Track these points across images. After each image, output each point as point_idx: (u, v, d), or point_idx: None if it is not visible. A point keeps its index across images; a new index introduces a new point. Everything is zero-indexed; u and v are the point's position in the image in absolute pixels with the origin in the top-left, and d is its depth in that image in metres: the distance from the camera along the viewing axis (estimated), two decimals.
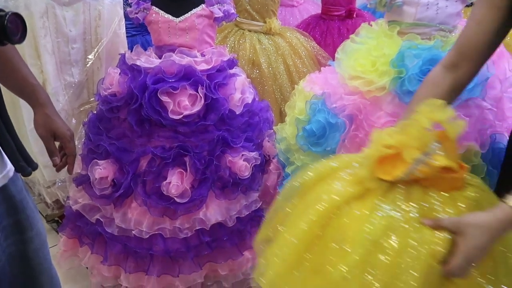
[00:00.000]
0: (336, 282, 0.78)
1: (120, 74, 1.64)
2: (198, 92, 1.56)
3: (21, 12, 1.71)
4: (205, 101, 1.57)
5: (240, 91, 1.68)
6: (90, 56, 1.89)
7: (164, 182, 1.52)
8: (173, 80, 1.56)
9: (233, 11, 1.75)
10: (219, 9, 1.70)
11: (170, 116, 1.53)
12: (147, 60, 1.63)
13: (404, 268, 0.76)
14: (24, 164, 0.85)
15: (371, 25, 1.71)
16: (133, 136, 1.60)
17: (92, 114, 1.74)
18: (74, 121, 1.93)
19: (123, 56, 1.69)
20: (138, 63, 1.61)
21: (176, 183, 1.52)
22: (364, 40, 1.65)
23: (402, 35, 1.57)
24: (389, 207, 0.83)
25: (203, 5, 1.69)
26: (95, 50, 1.89)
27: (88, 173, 1.60)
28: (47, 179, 1.92)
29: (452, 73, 1.01)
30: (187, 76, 1.58)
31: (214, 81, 1.61)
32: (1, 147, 0.82)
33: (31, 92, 1.04)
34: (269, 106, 1.96)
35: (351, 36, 1.72)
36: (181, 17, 1.67)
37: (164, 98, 1.54)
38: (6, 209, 0.87)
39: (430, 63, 1.46)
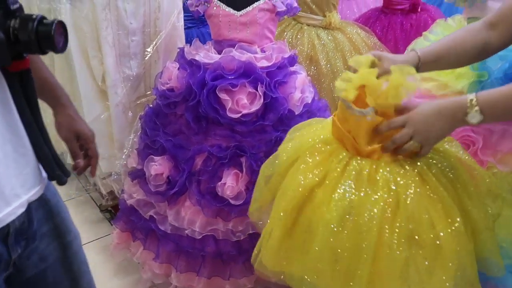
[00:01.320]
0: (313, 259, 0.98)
1: (178, 68, 1.60)
2: (257, 91, 1.50)
3: (85, 4, 1.74)
4: (264, 100, 1.51)
5: (300, 90, 1.60)
6: (148, 49, 1.87)
7: (219, 183, 1.48)
8: (232, 77, 1.50)
9: (295, 4, 1.66)
10: (282, 2, 1.61)
11: (228, 115, 1.48)
12: (206, 55, 1.59)
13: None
14: (60, 172, 0.82)
15: (446, 21, 1.57)
16: (190, 133, 1.56)
17: (148, 108, 1.72)
18: (130, 114, 1.93)
19: (181, 50, 1.65)
20: (197, 58, 1.57)
21: (231, 184, 1.47)
22: (439, 38, 1.51)
23: None
24: (346, 187, 0.98)
25: None
26: (154, 43, 1.87)
27: (144, 169, 1.59)
28: (103, 171, 1.94)
29: (488, 31, 1.02)
30: (247, 73, 1.51)
31: (274, 79, 1.54)
32: (38, 156, 0.80)
33: (51, 92, 0.99)
34: (328, 106, 1.86)
35: (424, 33, 1.58)
36: (242, 11, 1.61)
37: (223, 96, 1.49)
38: (44, 214, 0.86)
39: None
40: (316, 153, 1.10)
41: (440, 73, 1.41)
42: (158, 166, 1.55)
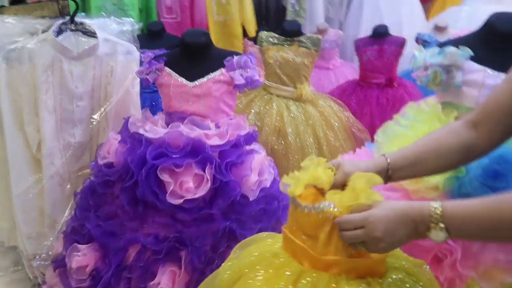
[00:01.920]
0: None
1: (120, 142, 1.41)
2: (205, 173, 1.30)
3: (24, 65, 1.56)
4: (212, 184, 1.30)
5: (257, 172, 1.41)
6: (95, 116, 1.68)
7: (152, 283, 1.23)
8: (177, 155, 1.30)
9: (257, 77, 1.51)
10: (241, 75, 1.46)
11: (168, 200, 1.26)
12: (152, 128, 1.40)
13: None
14: None
15: (419, 105, 1.43)
16: (124, 218, 1.33)
17: (89, 182, 1.49)
18: (69, 186, 1.70)
19: (126, 120, 1.47)
20: (140, 131, 1.38)
21: (165, 285, 1.22)
22: (411, 123, 1.36)
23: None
24: None
25: (222, 70, 1.47)
26: (102, 109, 1.68)
27: (66, 259, 1.34)
28: (29, 252, 1.67)
29: (471, 130, 0.88)
30: (195, 152, 1.32)
31: (226, 159, 1.35)
32: None
33: None
34: None
35: (395, 116, 1.43)
36: (196, 82, 1.45)
37: (165, 177, 1.28)
38: None
39: (499, 162, 1.15)
40: (265, 267, 0.88)
41: None
42: (82, 257, 1.30)
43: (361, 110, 2.63)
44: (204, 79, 1.45)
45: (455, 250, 1.13)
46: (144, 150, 1.31)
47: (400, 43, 2.73)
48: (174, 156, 1.30)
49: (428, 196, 1.19)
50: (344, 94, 2.78)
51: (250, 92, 2.26)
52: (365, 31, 2.84)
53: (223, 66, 1.47)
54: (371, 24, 3.18)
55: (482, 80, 1.27)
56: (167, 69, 1.47)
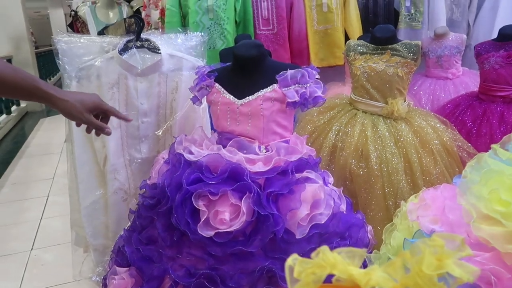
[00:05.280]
0: None
1: (165, 162, 1.34)
2: (241, 203, 1.14)
3: (92, 83, 1.62)
4: (250, 217, 1.13)
5: (309, 206, 1.19)
6: (158, 132, 1.66)
7: None
8: (213, 182, 1.17)
9: (319, 93, 1.29)
10: (296, 91, 1.27)
11: (199, 231, 1.13)
12: (196, 149, 1.29)
13: None
14: None
15: None
16: (161, 244, 1.25)
17: (141, 199, 1.45)
18: (134, 201, 1.70)
19: (176, 139, 1.39)
20: (183, 151, 1.28)
21: None
22: None
23: None
24: None
25: (275, 85, 1.29)
26: (164, 126, 1.65)
27: (107, 281, 1.31)
28: (94, 264, 1.71)
29: None
30: (233, 178, 1.17)
31: (269, 189, 1.16)
32: None
33: (37, 92, 1.02)
34: (364, 222, 1.40)
35: (493, 146, 1.07)
36: (244, 100, 1.30)
37: (199, 205, 1.16)
38: None
39: None
40: None
41: (509, 214, 0.89)
42: (118, 281, 1.26)
43: (478, 130, 2.15)
44: (254, 97, 1.29)
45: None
46: (181, 174, 1.21)
47: None
48: (210, 182, 1.17)
49: None
50: (458, 109, 2.32)
51: (334, 106, 2.02)
52: None
53: (276, 81, 1.29)
54: None
55: None
56: (217, 85, 1.35)
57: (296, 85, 1.27)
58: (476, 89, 2.63)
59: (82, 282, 1.94)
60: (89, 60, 1.57)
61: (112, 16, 3.62)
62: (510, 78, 2.20)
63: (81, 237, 1.84)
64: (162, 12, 3.28)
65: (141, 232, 1.32)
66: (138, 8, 3.69)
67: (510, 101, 2.18)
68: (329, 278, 0.66)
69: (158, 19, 3.29)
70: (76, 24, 3.80)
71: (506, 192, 0.91)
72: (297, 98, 1.25)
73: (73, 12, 3.82)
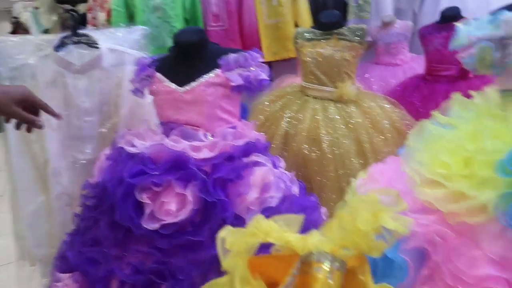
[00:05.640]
0: None
1: (106, 157, 1.27)
2: (186, 191, 1.09)
3: (26, 83, 1.52)
4: (196, 205, 1.09)
5: (258, 189, 1.16)
6: (103, 130, 1.58)
7: None
8: (156, 172, 1.12)
9: (263, 76, 1.27)
10: (240, 74, 1.24)
11: (143, 224, 1.08)
12: (139, 142, 1.24)
13: None
14: None
15: (469, 96, 1.06)
16: (106, 244, 1.18)
17: (83, 199, 1.37)
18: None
19: (119, 134, 1.33)
20: (125, 145, 1.22)
21: None
22: (454, 120, 1.01)
23: None
24: None
25: (217, 70, 1.25)
26: (110, 123, 1.58)
27: None
28: (40, 273, 1.61)
29: None
30: (177, 167, 1.12)
31: (215, 175, 1.12)
32: None
33: None
34: (318, 204, 1.38)
35: (434, 113, 1.08)
36: (186, 87, 1.26)
37: (143, 198, 1.10)
38: None
39: None
40: None
41: (451, 175, 0.89)
42: None
43: (425, 108, 2.20)
44: (196, 83, 1.25)
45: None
46: (122, 168, 1.15)
47: None
48: (153, 173, 1.11)
49: (472, 221, 0.84)
50: (407, 91, 2.38)
51: (284, 94, 2.01)
52: None
53: (218, 66, 1.25)
54: None
55: None
56: (158, 75, 1.30)
57: (239, 68, 1.24)
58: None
59: None
60: (21, 58, 1.48)
61: (56, 20, 3.47)
62: (452, 58, 2.25)
63: (26, 250, 1.73)
64: (109, 14, 3.18)
65: (84, 234, 1.25)
66: (85, 13, 3.57)
67: (454, 80, 2.25)
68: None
69: (105, 21, 3.19)
70: (19, 32, 3.63)
71: (446, 155, 0.92)
72: (241, 82, 1.22)
73: (14, 19, 3.64)
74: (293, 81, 2.73)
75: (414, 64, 3.09)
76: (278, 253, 0.63)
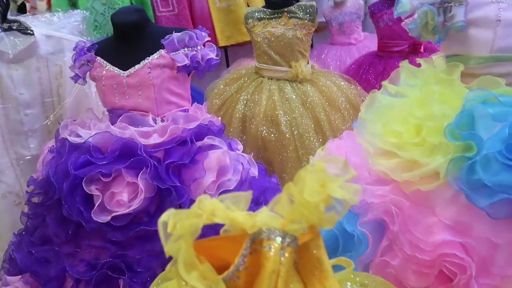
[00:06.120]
0: None
1: (49, 151, 1.19)
2: (138, 180, 1.03)
3: None
4: (150, 193, 1.04)
5: (215, 173, 1.12)
6: (47, 123, 1.48)
7: None
8: (104, 162, 1.05)
9: (211, 55, 1.22)
10: (186, 54, 1.18)
11: (94, 217, 1.02)
12: (84, 131, 1.16)
13: None
14: None
15: (417, 64, 1.07)
16: (57, 241, 1.11)
17: (27, 196, 1.28)
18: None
19: (61, 124, 1.24)
20: (69, 135, 1.14)
21: None
22: (402, 89, 1.01)
23: (470, 80, 0.91)
24: None
25: (162, 51, 1.19)
26: (52, 115, 1.48)
27: None
28: None
29: None
30: (126, 155, 1.06)
31: (167, 161, 1.07)
32: None
33: None
34: (278, 185, 1.36)
35: (383, 83, 1.08)
36: (130, 70, 1.19)
37: (92, 190, 1.04)
38: None
39: None
40: None
41: (403, 144, 0.89)
42: None
43: (380, 85, 2.23)
44: (140, 65, 1.18)
45: (468, 265, 0.77)
46: (67, 159, 1.07)
47: None
48: (100, 163, 1.05)
49: (425, 188, 0.84)
50: (361, 68, 2.40)
51: (239, 76, 1.97)
52: None
53: (162, 47, 1.19)
54: None
55: (496, 15, 0.89)
56: (99, 59, 1.22)
57: (186, 48, 1.18)
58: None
59: None
60: None
61: None
62: (403, 33, 2.29)
63: None
64: (49, 2, 2.99)
65: (33, 233, 1.17)
66: (23, 1, 3.35)
67: (406, 55, 2.29)
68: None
69: (46, 10, 3.00)
70: None
71: (397, 124, 0.91)
72: (187, 62, 1.17)
73: None
74: (250, 64, 2.69)
75: (367, 42, 3.13)
76: (226, 234, 0.59)
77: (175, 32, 1.19)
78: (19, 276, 1.13)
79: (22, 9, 3.30)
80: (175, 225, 0.52)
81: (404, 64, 1.06)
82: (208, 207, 0.54)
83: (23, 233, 1.22)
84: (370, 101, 1.05)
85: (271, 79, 1.88)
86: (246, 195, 0.60)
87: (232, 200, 0.59)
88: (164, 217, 0.54)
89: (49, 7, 2.99)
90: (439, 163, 0.82)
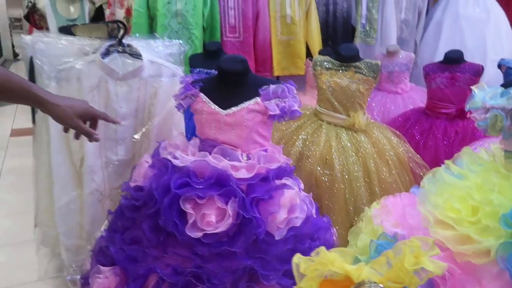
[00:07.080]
0: None
1: (150, 166, 1.40)
2: (227, 207, 1.23)
3: (72, 85, 1.63)
4: (235, 219, 1.23)
5: (287, 210, 1.31)
6: (136, 136, 1.70)
7: None
8: (200, 186, 1.25)
9: (296, 107, 1.42)
10: (277, 105, 1.39)
11: (188, 232, 1.21)
12: (181, 155, 1.37)
13: None
14: None
15: (477, 150, 1.24)
16: (147, 244, 1.31)
17: (123, 201, 1.49)
18: (109, 202, 1.73)
19: (159, 144, 1.46)
20: (169, 157, 1.35)
21: None
22: (465, 172, 1.18)
23: None
24: None
25: (257, 99, 1.40)
26: (142, 130, 1.70)
27: (89, 280, 1.34)
28: (66, 263, 1.72)
29: None
30: (219, 184, 1.27)
31: (252, 194, 1.27)
32: None
33: (29, 96, 1.06)
34: (330, 225, 1.54)
35: (447, 162, 1.25)
36: (228, 110, 1.40)
37: (187, 208, 1.24)
38: None
39: None
40: None
41: (460, 220, 1.06)
42: (103, 280, 1.30)
43: (424, 142, 2.40)
44: (238, 108, 1.39)
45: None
46: (169, 178, 1.28)
47: (476, 71, 2.46)
48: (197, 186, 1.25)
49: (476, 261, 1.01)
50: (408, 123, 2.57)
51: (300, 116, 2.16)
52: (443, 54, 2.59)
53: (258, 95, 1.40)
54: (451, 47, 2.92)
55: None
56: (202, 95, 1.44)
57: (277, 99, 1.39)
58: (421, 103, 2.91)
59: (40, 283, 1.93)
60: (68, 62, 1.58)
61: (73, 11, 3.54)
62: (453, 97, 2.47)
63: (48, 237, 1.84)
64: (128, 12, 3.27)
65: (124, 232, 1.37)
66: (101, 5, 3.64)
67: (453, 118, 2.45)
68: None
69: (123, 18, 3.27)
70: (34, 17, 3.66)
71: (457, 202, 1.09)
72: (278, 111, 1.37)
73: (30, 3, 3.68)
74: (301, 100, 2.90)
75: (413, 93, 3.31)
76: (333, 278, 0.78)
77: (270, 84, 1.40)
78: (110, 267, 1.33)
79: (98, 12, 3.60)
80: (306, 269, 0.71)
81: (467, 150, 1.23)
82: (330, 258, 0.73)
83: (112, 230, 1.42)
84: (432, 175, 1.22)
85: (329, 123, 2.07)
86: (351, 252, 0.79)
87: (341, 254, 0.78)
88: (295, 259, 0.73)
89: (127, 16, 3.26)
90: (491, 244, 0.99)
